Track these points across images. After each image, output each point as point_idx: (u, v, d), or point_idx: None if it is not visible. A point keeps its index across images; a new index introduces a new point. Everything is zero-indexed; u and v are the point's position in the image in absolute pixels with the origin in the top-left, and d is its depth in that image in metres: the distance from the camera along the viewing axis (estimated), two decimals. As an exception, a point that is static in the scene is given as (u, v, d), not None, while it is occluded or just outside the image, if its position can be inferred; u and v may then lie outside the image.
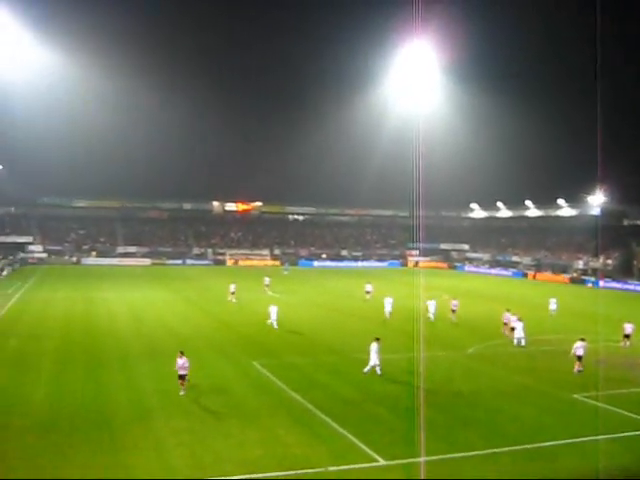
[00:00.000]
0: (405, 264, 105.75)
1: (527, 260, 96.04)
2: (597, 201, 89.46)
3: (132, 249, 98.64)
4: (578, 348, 26.56)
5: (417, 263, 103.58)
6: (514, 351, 31.60)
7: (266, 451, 16.78)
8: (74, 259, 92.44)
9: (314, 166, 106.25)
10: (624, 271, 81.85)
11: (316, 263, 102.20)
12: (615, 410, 21.31)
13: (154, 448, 16.98)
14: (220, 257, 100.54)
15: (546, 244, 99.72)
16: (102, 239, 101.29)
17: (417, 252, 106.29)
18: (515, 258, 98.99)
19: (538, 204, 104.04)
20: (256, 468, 15.66)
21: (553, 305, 45.07)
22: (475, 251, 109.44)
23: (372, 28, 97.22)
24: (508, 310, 36.62)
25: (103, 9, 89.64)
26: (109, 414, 19.69)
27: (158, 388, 22.57)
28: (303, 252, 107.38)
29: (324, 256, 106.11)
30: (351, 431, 18.34)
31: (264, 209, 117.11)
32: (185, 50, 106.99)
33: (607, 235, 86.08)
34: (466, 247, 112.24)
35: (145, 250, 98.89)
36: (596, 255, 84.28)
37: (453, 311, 40.85)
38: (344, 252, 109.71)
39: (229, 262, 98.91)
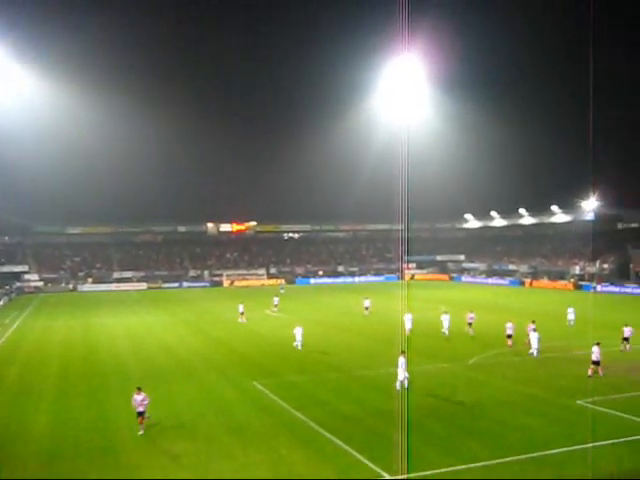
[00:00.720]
0: (402, 277, 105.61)
1: (523, 268, 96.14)
2: (591, 206, 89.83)
3: (128, 274, 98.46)
4: (594, 353, 26.53)
5: (413, 276, 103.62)
6: (516, 360, 31.45)
7: (270, 472, 16.60)
8: (70, 286, 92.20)
9: (307, 184, 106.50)
10: (621, 274, 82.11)
11: (313, 280, 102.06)
12: (620, 415, 21.22)
13: (159, 472, 16.81)
14: (217, 278, 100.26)
15: (542, 251, 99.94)
16: (98, 265, 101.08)
17: (413, 265, 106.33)
18: (511, 266, 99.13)
19: (532, 212, 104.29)
20: (261, 489, 15.48)
21: (571, 315, 43.69)
22: (471, 261, 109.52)
23: (359, 45, 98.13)
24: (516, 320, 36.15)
25: (93, 36, 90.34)
26: (112, 439, 19.55)
27: (159, 411, 22.33)
28: (299, 270, 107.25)
29: (321, 273, 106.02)
30: (355, 447, 18.19)
31: (259, 228, 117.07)
32: (177, 73, 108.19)
33: (602, 239, 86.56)
34: (462, 258, 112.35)
35: (141, 274, 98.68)
36: (592, 260, 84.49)
37: (470, 324, 39.85)
38: (340, 268, 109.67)
39: (226, 283, 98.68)
